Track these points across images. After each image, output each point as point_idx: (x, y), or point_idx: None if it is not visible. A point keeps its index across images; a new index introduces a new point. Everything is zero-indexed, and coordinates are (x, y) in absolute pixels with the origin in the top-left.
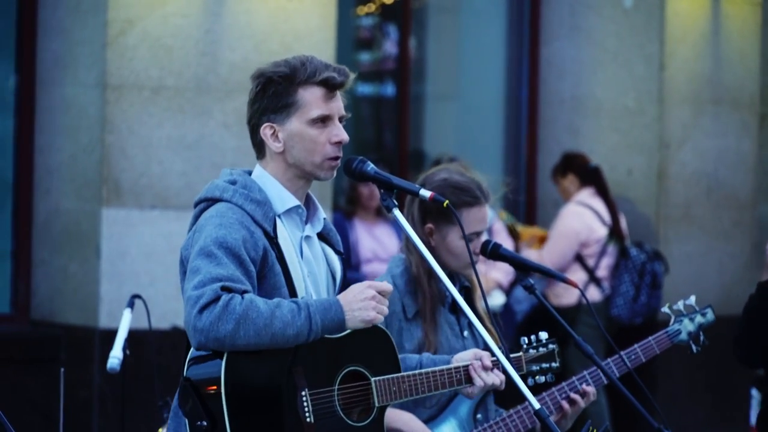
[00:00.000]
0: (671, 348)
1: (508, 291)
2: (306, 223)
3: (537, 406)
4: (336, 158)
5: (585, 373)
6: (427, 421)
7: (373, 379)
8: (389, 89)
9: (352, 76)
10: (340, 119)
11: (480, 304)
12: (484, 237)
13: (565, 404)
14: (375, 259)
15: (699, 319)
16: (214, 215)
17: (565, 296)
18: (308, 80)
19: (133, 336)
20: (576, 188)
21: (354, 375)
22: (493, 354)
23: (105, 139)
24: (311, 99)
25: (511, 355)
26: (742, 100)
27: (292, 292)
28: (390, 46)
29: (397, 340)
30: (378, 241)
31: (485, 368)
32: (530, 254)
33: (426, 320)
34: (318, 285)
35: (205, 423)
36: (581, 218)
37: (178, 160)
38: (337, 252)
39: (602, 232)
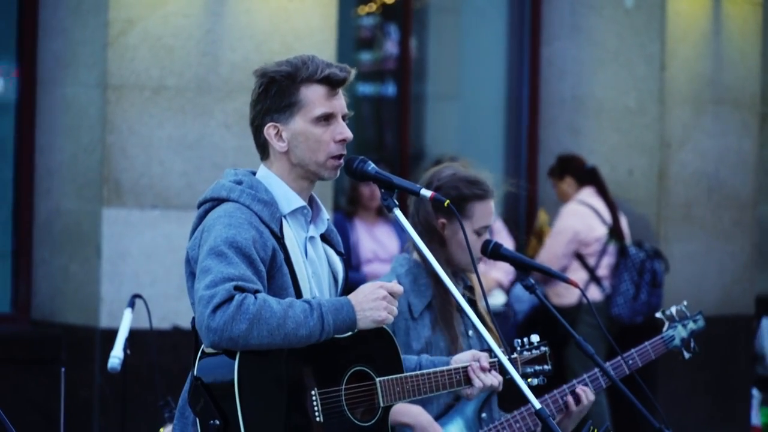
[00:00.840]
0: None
1: (508, 290)
2: (310, 223)
3: (538, 406)
4: (340, 156)
5: (585, 376)
6: (434, 420)
7: (377, 379)
8: (390, 89)
9: (354, 72)
10: (343, 117)
11: (480, 304)
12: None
13: (571, 400)
14: (375, 259)
15: (691, 325)
16: (223, 215)
17: (567, 296)
18: (310, 78)
19: (134, 336)
20: (574, 190)
21: (358, 375)
22: (492, 355)
23: (106, 139)
24: (314, 97)
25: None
26: (743, 100)
27: (298, 293)
28: (391, 46)
29: (404, 340)
30: (378, 242)
31: (483, 369)
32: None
33: (440, 317)
34: (321, 286)
35: (218, 422)
36: (581, 217)
37: (178, 160)
38: (338, 253)
39: (602, 231)
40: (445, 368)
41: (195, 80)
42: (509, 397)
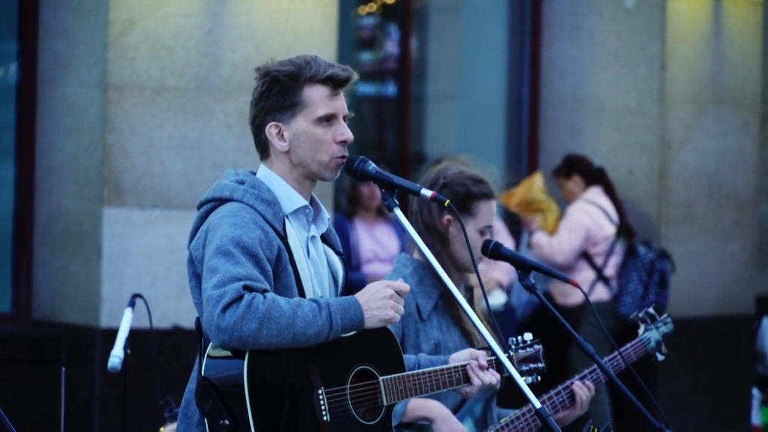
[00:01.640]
0: (672, 348)
1: (509, 290)
2: (311, 223)
3: (538, 405)
4: (342, 157)
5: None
6: None
7: (381, 378)
8: (390, 89)
9: (356, 74)
10: (344, 118)
11: (480, 303)
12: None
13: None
14: (375, 259)
15: (663, 328)
16: (227, 215)
17: (572, 295)
18: (313, 78)
19: (134, 335)
20: (581, 189)
21: (361, 374)
22: (491, 353)
23: (106, 139)
24: (317, 98)
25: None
26: (743, 100)
27: (301, 292)
28: (391, 46)
29: (415, 342)
30: (378, 242)
31: (481, 368)
32: (541, 239)
33: (449, 316)
34: (323, 285)
35: (227, 422)
36: (592, 216)
37: (179, 160)
38: (337, 252)
39: (610, 230)
40: (444, 367)
41: (195, 80)
42: (509, 395)
